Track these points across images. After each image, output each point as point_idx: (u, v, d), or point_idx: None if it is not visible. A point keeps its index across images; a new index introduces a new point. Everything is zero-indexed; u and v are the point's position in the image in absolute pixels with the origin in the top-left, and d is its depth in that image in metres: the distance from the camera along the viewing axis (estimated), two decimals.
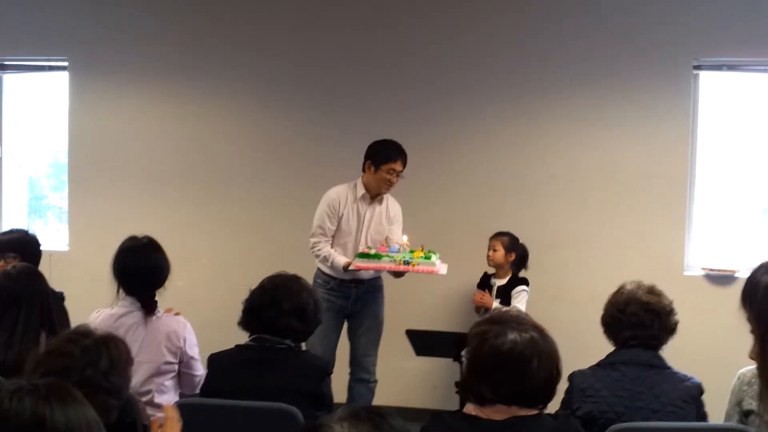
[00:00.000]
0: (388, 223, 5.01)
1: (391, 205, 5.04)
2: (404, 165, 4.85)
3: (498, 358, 2.28)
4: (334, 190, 4.95)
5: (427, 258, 4.60)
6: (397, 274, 4.78)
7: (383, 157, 4.82)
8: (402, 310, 5.38)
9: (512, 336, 2.30)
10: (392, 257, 4.59)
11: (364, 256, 4.65)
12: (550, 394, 2.36)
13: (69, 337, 2.40)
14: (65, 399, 1.75)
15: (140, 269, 3.62)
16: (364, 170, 4.93)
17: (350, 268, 4.72)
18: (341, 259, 4.83)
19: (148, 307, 3.59)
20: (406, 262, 4.57)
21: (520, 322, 2.37)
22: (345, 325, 5.10)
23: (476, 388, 2.32)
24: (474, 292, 5.29)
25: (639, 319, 3.16)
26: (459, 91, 5.84)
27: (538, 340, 2.32)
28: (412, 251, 4.66)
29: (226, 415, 3.05)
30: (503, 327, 2.33)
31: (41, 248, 4.62)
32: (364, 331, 5.06)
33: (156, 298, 3.64)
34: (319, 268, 4.99)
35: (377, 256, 4.62)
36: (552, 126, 5.76)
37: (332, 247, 4.92)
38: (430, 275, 4.76)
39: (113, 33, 6.26)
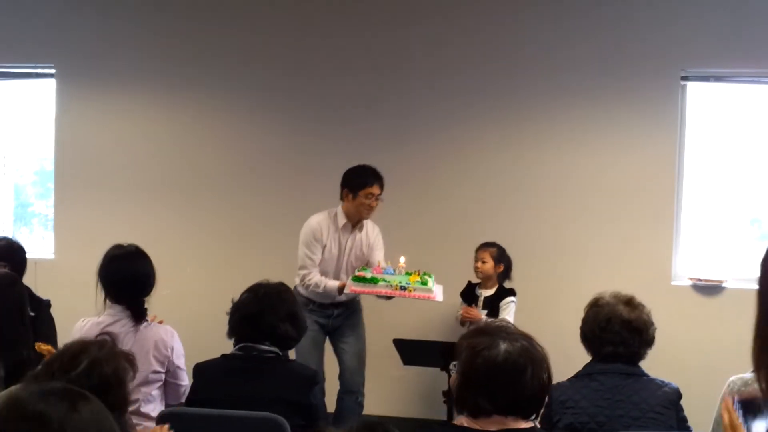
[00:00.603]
0: (369, 249, 4.99)
1: (370, 230, 5.01)
2: (381, 188, 4.85)
3: (493, 369, 2.27)
4: (315, 219, 4.90)
5: (424, 283, 4.54)
6: (389, 297, 4.70)
7: (360, 183, 4.82)
8: (389, 320, 5.38)
9: (504, 346, 2.28)
10: (388, 281, 4.52)
11: (360, 279, 4.57)
12: (543, 403, 2.37)
13: (61, 361, 2.36)
14: (91, 402, 1.73)
15: (128, 277, 3.60)
16: (342, 199, 4.90)
17: (345, 291, 4.67)
18: (334, 283, 4.81)
19: (138, 315, 3.56)
20: (403, 287, 4.50)
21: (508, 332, 2.37)
22: (331, 344, 5.10)
23: (471, 401, 2.30)
24: (460, 305, 5.24)
25: (621, 338, 3.17)
26: (447, 101, 5.84)
27: (529, 348, 2.31)
28: (408, 273, 4.61)
29: (212, 425, 3.03)
30: (493, 338, 2.31)
31: (26, 256, 4.60)
32: (350, 353, 5.04)
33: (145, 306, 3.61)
34: (296, 289, 4.82)
35: (373, 280, 4.54)
36: (540, 136, 5.77)
37: None
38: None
39: (100, 41, 6.24)
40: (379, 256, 4.91)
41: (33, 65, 6.45)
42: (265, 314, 3.32)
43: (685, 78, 5.59)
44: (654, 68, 5.55)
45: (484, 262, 5.13)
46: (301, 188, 6.01)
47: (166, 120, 6.26)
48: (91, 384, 2.25)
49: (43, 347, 3.55)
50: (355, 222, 4.93)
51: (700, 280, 5.53)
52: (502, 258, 5.16)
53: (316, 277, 4.81)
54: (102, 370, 2.33)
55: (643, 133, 5.61)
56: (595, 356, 3.24)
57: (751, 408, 1.94)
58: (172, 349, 3.56)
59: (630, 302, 3.24)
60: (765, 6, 5.43)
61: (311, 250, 4.87)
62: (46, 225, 6.76)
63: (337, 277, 4.87)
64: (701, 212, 5.81)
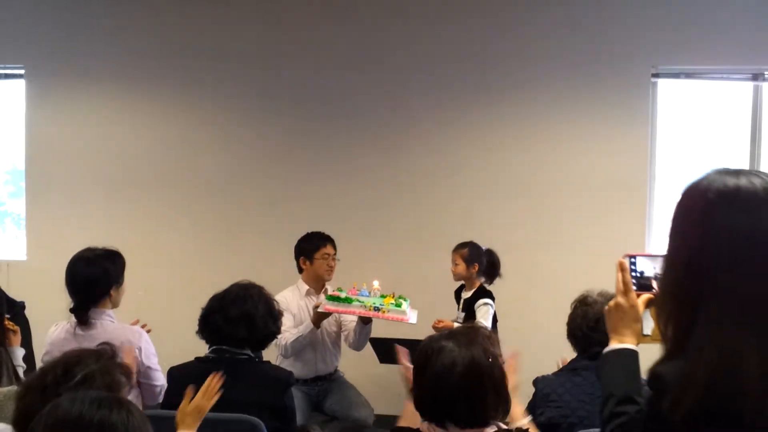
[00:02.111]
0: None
1: None
2: (334, 248, 4.94)
3: (436, 380, 2.24)
4: (280, 295, 4.79)
5: (398, 305, 4.55)
6: (366, 320, 4.73)
7: (314, 247, 4.92)
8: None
9: (447, 357, 2.24)
10: (362, 302, 4.54)
11: (334, 299, 4.60)
12: (498, 406, 2.29)
13: (55, 372, 2.33)
14: (126, 407, 1.84)
15: (76, 280, 3.59)
16: (300, 270, 4.96)
17: (319, 310, 4.65)
18: (306, 323, 4.75)
19: (79, 318, 3.56)
20: (376, 308, 4.52)
21: (460, 340, 2.30)
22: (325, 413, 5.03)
23: (425, 410, 2.29)
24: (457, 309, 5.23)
25: (609, 338, 3.16)
26: (422, 99, 5.87)
27: (474, 358, 2.25)
28: (383, 296, 4.63)
29: None
30: (443, 346, 2.28)
31: None
32: (343, 406, 4.98)
33: (95, 309, 3.58)
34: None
35: (347, 300, 4.57)
36: (513, 134, 5.80)
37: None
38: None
39: (70, 40, 6.20)
40: (350, 316, 4.86)
41: (2, 66, 6.40)
42: (213, 315, 3.37)
43: (656, 75, 5.65)
44: (625, 65, 5.59)
45: (456, 265, 5.07)
46: (279, 189, 6.01)
47: (137, 120, 6.22)
48: None
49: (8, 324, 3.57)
50: (318, 288, 4.97)
51: None
52: (476, 258, 5.07)
53: (287, 334, 4.69)
54: (95, 383, 2.30)
55: (616, 130, 5.66)
56: (581, 353, 3.26)
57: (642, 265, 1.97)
58: (140, 350, 3.54)
59: None
60: (734, 3, 5.49)
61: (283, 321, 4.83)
62: (19, 224, 6.69)
63: (315, 348, 4.84)
64: (673, 206, 5.84)
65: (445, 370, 2.22)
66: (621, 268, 1.91)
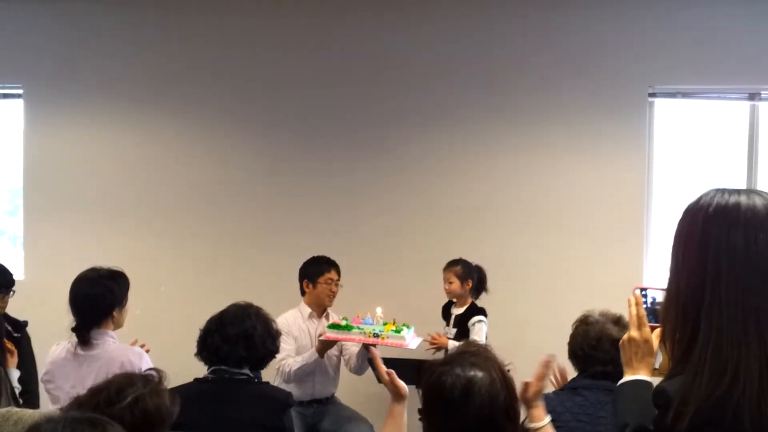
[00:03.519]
0: None
1: (336, 318, 5.01)
2: (338, 273, 4.98)
3: (438, 399, 2.26)
4: (282, 316, 4.88)
5: (398, 331, 4.60)
6: (368, 347, 4.72)
7: (318, 271, 4.97)
8: None
9: (451, 378, 2.24)
10: (362, 329, 4.60)
11: (335, 327, 4.66)
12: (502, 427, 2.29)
13: (108, 393, 2.33)
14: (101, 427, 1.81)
15: (76, 300, 3.60)
16: (303, 292, 5.00)
17: (321, 338, 4.70)
18: (310, 351, 4.79)
19: (81, 339, 3.57)
20: (376, 335, 4.57)
21: (464, 361, 2.31)
22: None
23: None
24: (444, 327, 5.22)
25: (611, 356, 3.15)
26: (416, 115, 5.87)
27: (478, 378, 2.24)
28: (384, 323, 4.68)
29: None
30: (448, 367, 2.28)
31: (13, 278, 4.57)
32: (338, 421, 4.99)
33: (97, 330, 3.59)
34: None
35: (348, 328, 4.63)
36: (509, 153, 5.81)
37: None
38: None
39: (68, 61, 6.21)
40: (351, 342, 4.89)
41: (0, 85, 6.40)
42: (211, 335, 3.38)
43: (653, 94, 5.67)
44: (622, 85, 5.61)
45: (450, 283, 5.11)
46: (277, 206, 6.02)
47: (136, 139, 6.22)
48: (134, 419, 2.27)
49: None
50: (320, 312, 5.00)
51: None
52: (468, 274, 5.12)
53: (290, 360, 4.78)
54: (146, 405, 2.32)
55: (613, 149, 5.67)
56: (582, 373, 3.25)
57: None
58: (140, 371, 3.53)
59: (618, 321, 3.24)
60: (730, 23, 5.51)
61: (283, 340, 4.85)
62: (15, 242, 6.68)
63: (310, 371, 4.84)
64: (671, 225, 5.85)
65: (446, 387, 2.23)
66: (635, 302, 1.95)
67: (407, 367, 4.64)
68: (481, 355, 2.33)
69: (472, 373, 2.24)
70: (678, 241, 1.74)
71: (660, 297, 1.97)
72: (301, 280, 5.01)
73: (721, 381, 1.56)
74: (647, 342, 1.91)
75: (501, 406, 2.23)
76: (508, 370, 2.33)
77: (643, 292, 1.99)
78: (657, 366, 1.93)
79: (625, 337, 1.95)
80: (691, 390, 1.57)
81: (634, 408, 1.83)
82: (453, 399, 2.22)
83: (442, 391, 2.24)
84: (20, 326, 4.41)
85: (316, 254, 5.07)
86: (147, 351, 3.70)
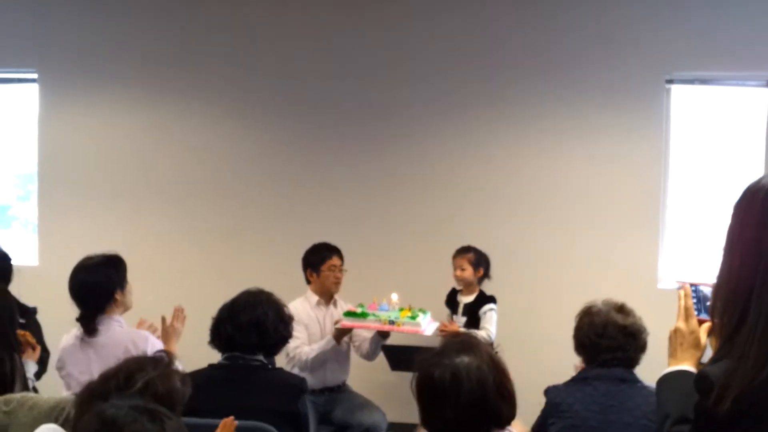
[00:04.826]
0: None
1: (344, 307, 4.98)
2: (341, 259, 4.92)
3: (429, 389, 2.31)
4: (290, 305, 4.89)
5: (413, 317, 4.59)
6: (383, 334, 4.75)
7: (320, 259, 4.90)
8: None
9: (441, 368, 2.29)
10: (378, 316, 4.59)
11: (351, 314, 4.65)
12: (500, 416, 2.33)
13: (117, 379, 2.35)
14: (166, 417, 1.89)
15: (76, 288, 3.62)
16: (308, 281, 4.95)
17: (337, 326, 4.70)
18: (326, 338, 4.78)
19: (86, 328, 3.58)
20: (391, 322, 4.57)
21: (457, 348, 2.36)
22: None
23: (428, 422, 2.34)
24: (447, 315, 5.19)
25: (618, 343, 3.18)
26: (428, 106, 5.84)
27: (468, 364, 2.30)
28: (401, 309, 4.66)
29: None
30: (439, 356, 2.34)
31: (12, 264, 4.55)
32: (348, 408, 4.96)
33: (102, 316, 3.60)
34: None
35: (363, 315, 4.62)
36: (524, 140, 5.77)
37: None
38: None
39: (83, 45, 6.20)
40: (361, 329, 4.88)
41: (15, 70, 6.41)
42: (224, 323, 3.39)
43: (670, 81, 5.62)
44: (639, 72, 5.56)
45: (463, 270, 5.06)
46: (287, 193, 6.01)
47: (150, 124, 6.22)
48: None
49: (20, 333, 3.63)
50: (327, 299, 4.96)
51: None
52: (480, 262, 5.09)
53: (306, 348, 4.76)
54: (156, 389, 2.33)
55: (629, 137, 5.63)
56: (591, 362, 3.24)
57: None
58: (145, 353, 3.53)
59: (622, 309, 3.26)
60: (747, 10, 5.46)
61: (295, 329, 4.84)
62: (27, 227, 6.70)
63: (325, 359, 4.82)
64: (687, 215, 5.83)
65: (435, 376, 2.28)
66: (683, 294, 1.95)
67: (418, 355, 4.65)
68: (466, 342, 2.38)
69: (458, 359, 2.30)
70: (734, 221, 1.72)
71: (710, 293, 1.95)
72: (304, 270, 4.95)
73: (766, 366, 1.54)
74: (693, 333, 1.90)
75: (491, 388, 2.28)
76: (496, 353, 2.39)
77: (693, 288, 1.98)
78: (704, 361, 1.90)
79: (672, 328, 1.95)
80: (735, 373, 1.55)
81: (675, 397, 1.81)
82: (444, 388, 2.27)
83: (432, 382, 2.29)
84: (29, 312, 4.40)
85: (329, 241, 5.03)
86: (154, 331, 3.70)
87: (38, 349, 3.89)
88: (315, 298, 4.94)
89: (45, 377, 4.11)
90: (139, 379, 2.33)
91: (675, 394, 1.83)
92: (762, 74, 5.56)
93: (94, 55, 6.19)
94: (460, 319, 5.09)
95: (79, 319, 3.59)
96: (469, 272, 5.05)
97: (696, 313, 1.93)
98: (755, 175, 1.70)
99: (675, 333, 1.93)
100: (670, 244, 5.73)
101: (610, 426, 3.04)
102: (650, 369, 3.24)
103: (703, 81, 5.67)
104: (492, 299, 5.05)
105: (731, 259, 1.68)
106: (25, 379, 3.44)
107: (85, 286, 3.60)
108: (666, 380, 1.89)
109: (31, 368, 3.77)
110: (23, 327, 3.93)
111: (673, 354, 1.92)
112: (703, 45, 5.50)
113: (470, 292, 5.11)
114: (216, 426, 2.80)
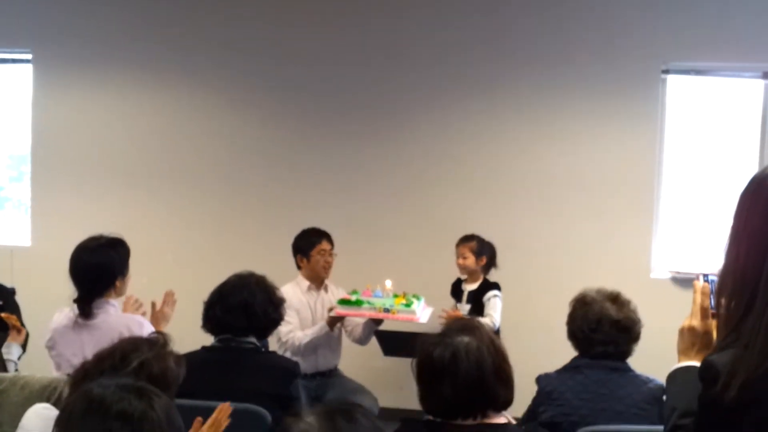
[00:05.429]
0: None
1: (335, 290, 4.99)
2: (331, 243, 4.89)
3: (428, 370, 2.35)
4: (282, 289, 4.89)
5: (408, 304, 4.59)
6: (376, 320, 4.74)
7: (309, 244, 4.87)
8: None
9: (439, 348, 2.34)
10: (372, 304, 4.59)
11: (345, 302, 4.64)
12: (497, 396, 2.35)
13: (113, 359, 2.36)
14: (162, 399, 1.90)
15: (79, 270, 3.55)
16: (298, 267, 4.92)
17: (331, 314, 4.69)
18: (320, 324, 4.76)
19: (83, 311, 3.52)
20: (386, 310, 4.56)
21: (454, 330, 2.40)
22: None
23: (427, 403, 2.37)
24: (453, 306, 5.17)
25: (611, 338, 3.17)
26: (427, 95, 5.83)
27: (465, 344, 2.34)
28: (395, 296, 4.66)
29: (193, 416, 3.00)
30: (438, 338, 2.38)
31: None
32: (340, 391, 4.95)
33: (99, 299, 3.56)
34: None
35: (358, 303, 4.61)
36: (520, 130, 5.77)
37: None
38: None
39: (78, 26, 6.17)
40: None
41: (9, 50, 6.37)
42: (213, 306, 3.40)
43: (666, 71, 5.62)
44: (635, 61, 5.56)
45: (465, 258, 5.03)
46: (281, 179, 6.00)
47: (145, 106, 6.20)
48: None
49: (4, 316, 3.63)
50: (318, 284, 4.94)
51: (679, 272, 5.55)
52: (483, 250, 5.05)
53: (298, 333, 4.75)
54: (151, 370, 2.34)
55: (624, 126, 5.63)
56: (583, 354, 3.24)
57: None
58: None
59: (617, 299, 3.24)
60: (743, 1, 5.46)
61: (287, 314, 4.85)
62: (19, 208, 6.68)
63: (318, 344, 4.81)
64: (680, 205, 5.84)
65: (434, 357, 2.33)
66: (701, 291, 1.89)
67: (411, 341, 4.64)
68: (468, 324, 2.43)
69: (458, 339, 2.34)
70: (741, 208, 1.69)
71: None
72: (294, 255, 4.92)
73: None
74: (707, 334, 1.85)
75: (489, 369, 2.30)
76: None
77: (706, 278, 1.91)
78: None
79: (686, 324, 1.89)
80: (741, 361, 1.54)
81: (683, 391, 1.79)
82: (442, 365, 2.31)
83: (431, 360, 2.33)
84: (8, 293, 4.36)
85: (324, 227, 5.02)
86: (139, 307, 3.67)
87: (23, 331, 3.80)
88: (306, 283, 4.92)
89: (31, 356, 4.08)
90: (134, 359, 2.34)
91: (683, 388, 1.80)
92: (757, 65, 5.56)
93: (89, 37, 6.16)
94: (464, 307, 5.07)
95: (77, 301, 3.56)
96: (471, 260, 5.03)
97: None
98: (750, 166, 1.70)
99: (689, 331, 1.87)
100: (663, 233, 5.74)
101: (601, 414, 3.04)
102: (638, 356, 3.28)
103: (699, 72, 5.68)
104: (496, 286, 5.02)
105: (737, 248, 1.67)
106: (2, 361, 3.41)
107: (88, 268, 3.53)
108: (674, 376, 1.86)
109: (15, 351, 3.74)
110: (1, 308, 3.90)
111: (683, 352, 1.87)
112: (699, 36, 5.50)
113: (474, 280, 5.09)
114: (208, 408, 2.80)
